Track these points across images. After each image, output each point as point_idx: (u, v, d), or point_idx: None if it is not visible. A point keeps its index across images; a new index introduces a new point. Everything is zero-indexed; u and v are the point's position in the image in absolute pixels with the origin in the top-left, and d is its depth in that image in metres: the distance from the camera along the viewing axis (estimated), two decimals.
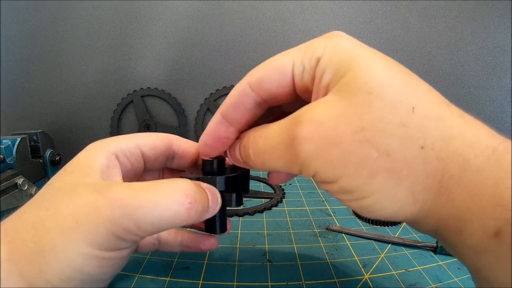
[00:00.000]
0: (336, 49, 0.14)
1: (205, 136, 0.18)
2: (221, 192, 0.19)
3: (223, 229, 0.22)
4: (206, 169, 0.20)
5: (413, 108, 0.13)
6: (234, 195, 0.20)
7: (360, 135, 0.13)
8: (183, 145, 0.22)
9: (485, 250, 0.12)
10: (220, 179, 0.19)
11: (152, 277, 0.24)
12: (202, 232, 0.23)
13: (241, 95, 0.17)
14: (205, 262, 0.26)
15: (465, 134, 0.13)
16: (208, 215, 0.18)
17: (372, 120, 0.13)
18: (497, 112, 0.52)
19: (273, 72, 0.15)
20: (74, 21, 0.57)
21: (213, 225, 0.21)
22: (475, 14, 0.50)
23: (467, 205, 0.12)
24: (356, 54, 0.14)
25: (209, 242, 0.23)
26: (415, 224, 0.15)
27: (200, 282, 0.24)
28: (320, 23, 0.54)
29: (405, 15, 0.52)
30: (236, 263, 0.26)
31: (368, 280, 0.24)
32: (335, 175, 0.14)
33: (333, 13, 0.53)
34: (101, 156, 0.17)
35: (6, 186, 0.35)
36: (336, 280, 0.24)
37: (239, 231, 0.32)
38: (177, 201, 0.15)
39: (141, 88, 0.58)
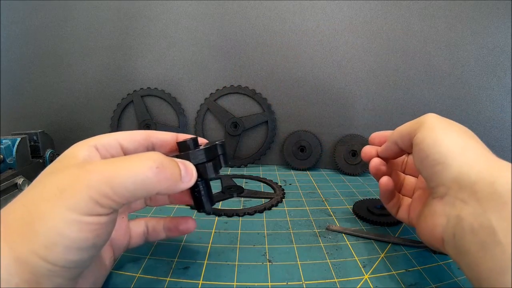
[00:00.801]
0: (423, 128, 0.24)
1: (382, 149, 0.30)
2: (196, 165, 0.21)
3: (210, 204, 0.23)
4: (181, 150, 0.22)
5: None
6: (210, 164, 0.22)
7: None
8: (161, 136, 0.24)
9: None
10: (192, 153, 0.21)
11: (152, 277, 0.24)
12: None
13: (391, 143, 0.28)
14: (205, 262, 0.26)
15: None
16: (184, 185, 0.19)
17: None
18: (497, 112, 0.52)
19: (401, 136, 0.26)
20: (74, 21, 0.57)
21: (200, 201, 0.23)
22: (475, 14, 0.50)
23: (499, 163, 0.19)
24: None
25: (186, 224, 0.26)
26: (467, 173, 0.20)
27: (200, 282, 0.24)
28: (320, 23, 0.54)
29: (405, 15, 0.52)
30: (236, 263, 0.26)
31: (368, 280, 0.24)
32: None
33: (333, 13, 0.53)
34: (83, 149, 0.19)
35: (6, 186, 0.35)
36: (336, 280, 0.24)
37: (239, 231, 0.32)
38: (146, 166, 0.17)
39: (141, 88, 0.58)
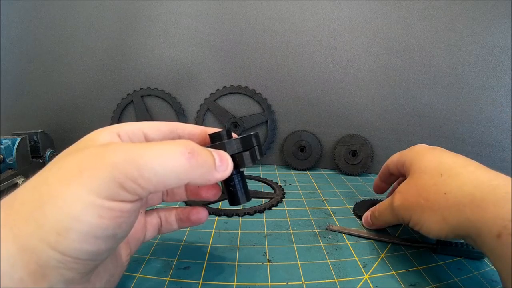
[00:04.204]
0: (411, 154, 0.30)
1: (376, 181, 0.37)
2: (232, 155, 0.19)
3: (246, 198, 0.22)
4: (214, 141, 0.21)
5: (441, 174, 0.25)
6: (247, 153, 0.20)
7: (417, 193, 0.26)
8: (188, 129, 0.22)
9: (494, 248, 0.19)
10: (227, 143, 0.20)
11: (152, 277, 0.24)
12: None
13: (384, 169, 0.35)
14: (205, 262, 0.26)
15: (473, 179, 0.22)
16: (219, 174, 0.18)
17: (421, 185, 0.26)
18: (497, 112, 0.52)
19: (391, 165, 0.33)
20: (74, 21, 0.57)
21: (235, 195, 0.21)
22: (475, 14, 0.50)
23: (480, 218, 0.20)
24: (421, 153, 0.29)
25: (198, 214, 0.24)
26: (453, 237, 0.23)
27: (200, 282, 0.24)
28: (320, 23, 0.54)
29: (405, 15, 0.52)
30: (236, 263, 0.26)
31: (368, 280, 0.24)
32: (409, 215, 0.26)
33: (333, 13, 0.53)
34: (104, 134, 0.18)
35: (6, 186, 0.35)
36: (336, 280, 0.24)
37: (239, 231, 0.32)
38: (177, 151, 0.16)
39: (141, 88, 0.58)
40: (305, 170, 0.56)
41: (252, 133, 0.21)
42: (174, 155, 0.15)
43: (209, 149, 0.18)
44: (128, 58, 0.58)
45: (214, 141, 0.21)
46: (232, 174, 0.20)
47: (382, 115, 0.55)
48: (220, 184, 0.23)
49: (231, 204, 0.22)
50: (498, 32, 0.50)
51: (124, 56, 0.58)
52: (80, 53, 0.58)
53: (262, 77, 0.57)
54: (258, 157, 0.21)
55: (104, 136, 0.18)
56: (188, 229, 0.32)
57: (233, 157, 0.19)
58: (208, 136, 0.21)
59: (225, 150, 0.19)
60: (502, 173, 0.22)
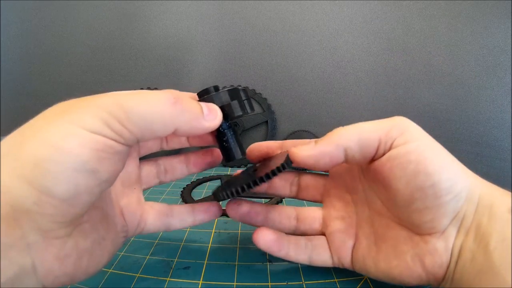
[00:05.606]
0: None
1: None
2: (221, 107, 0.20)
3: (241, 152, 0.22)
4: (202, 96, 0.21)
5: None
6: (235, 102, 0.20)
7: None
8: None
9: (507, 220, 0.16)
10: (215, 95, 0.20)
11: (152, 277, 0.24)
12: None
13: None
14: (205, 262, 0.26)
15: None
16: (208, 123, 0.18)
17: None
18: (497, 112, 0.52)
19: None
20: (74, 21, 0.57)
21: (230, 150, 0.22)
22: (475, 14, 0.50)
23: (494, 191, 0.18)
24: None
25: (212, 155, 0.25)
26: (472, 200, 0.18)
27: (200, 282, 0.24)
28: (320, 23, 0.54)
29: (405, 15, 0.52)
30: (236, 263, 0.26)
31: (368, 280, 0.24)
32: None
33: (333, 13, 0.53)
34: None
35: None
36: (336, 280, 0.24)
37: (239, 231, 0.32)
38: (163, 97, 0.16)
39: (141, 88, 0.58)
40: (305, 169, 0.55)
41: (239, 87, 0.21)
42: (159, 101, 0.16)
43: (197, 102, 0.18)
44: (128, 58, 0.58)
45: (202, 97, 0.21)
46: (223, 129, 0.21)
47: (382, 115, 0.55)
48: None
49: (227, 160, 0.22)
50: (498, 32, 0.50)
51: (124, 55, 0.58)
52: (80, 53, 0.58)
53: (262, 77, 0.57)
54: (249, 110, 0.21)
55: None
56: (188, 229, 0.32)
57: (222, 108, 0.19)
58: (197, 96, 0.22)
59: (213, 102, 0.19)
60: (502, 173, 0.22)
